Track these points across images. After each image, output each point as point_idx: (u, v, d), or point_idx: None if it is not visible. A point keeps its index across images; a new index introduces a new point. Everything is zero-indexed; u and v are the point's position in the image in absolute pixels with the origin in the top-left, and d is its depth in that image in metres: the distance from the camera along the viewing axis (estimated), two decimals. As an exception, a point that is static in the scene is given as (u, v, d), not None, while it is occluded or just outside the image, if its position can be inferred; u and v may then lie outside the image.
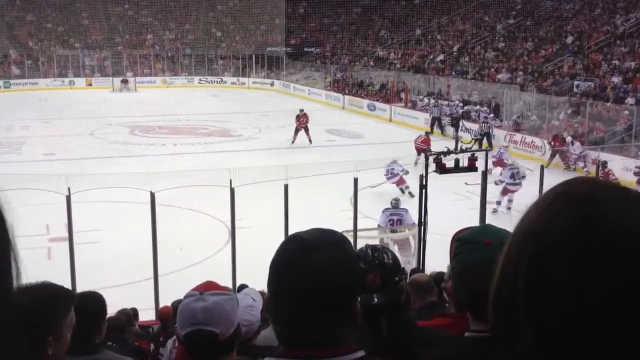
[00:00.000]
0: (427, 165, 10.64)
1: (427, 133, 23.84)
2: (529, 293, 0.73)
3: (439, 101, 31.09)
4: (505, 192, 16.49)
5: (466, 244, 1.75)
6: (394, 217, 13.22)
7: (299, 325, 1.32)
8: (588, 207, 0.73)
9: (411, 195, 17.20)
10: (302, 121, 25.96)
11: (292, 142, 25.54)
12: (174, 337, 3.36)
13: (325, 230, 1.43)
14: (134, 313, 8.12)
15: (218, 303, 2.22)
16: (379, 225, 13.42)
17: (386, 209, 13.62)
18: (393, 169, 18.62)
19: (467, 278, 1.70)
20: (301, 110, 26.50)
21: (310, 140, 25.65)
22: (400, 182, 18.53)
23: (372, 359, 1.39)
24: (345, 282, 1.33)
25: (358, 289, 1.40)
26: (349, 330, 1.35)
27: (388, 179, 18.60)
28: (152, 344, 6.33)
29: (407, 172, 18.38)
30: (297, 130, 25.84)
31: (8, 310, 0.65)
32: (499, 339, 0.77)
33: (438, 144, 23.38)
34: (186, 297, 2.29)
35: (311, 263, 1.31)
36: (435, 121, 28.68)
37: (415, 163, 19.92)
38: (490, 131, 24.75)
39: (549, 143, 22.53)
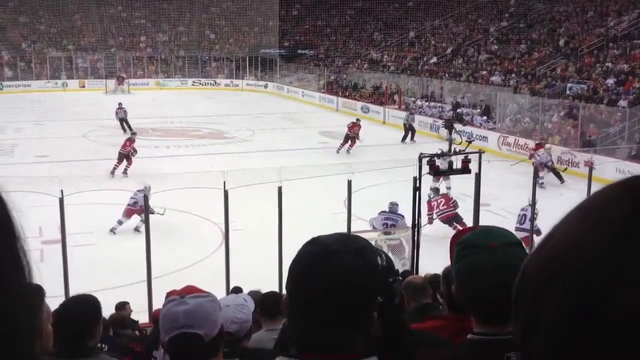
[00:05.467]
0: (420, 167, 10.65)
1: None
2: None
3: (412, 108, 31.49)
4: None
5: (469, 247, 1.74)
6: (389, 222, 13.21)
7: (313, 329, 1.32)
8: None
9: (138, 229, 14.22)
10: None
11: None
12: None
13: (348, 235, 1.43)
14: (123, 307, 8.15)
15: (200, 305, 2.23)
16: (373, 227, 13.39)
17: (382, 211, 13.60)
18: (135, 199, 14.56)
19: (472, 281, 1.70)
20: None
21: None
22: (128, 215, 14.76)
23: None
24: (363, 289, 1.32)
25: (376, 297, 1.39)
26: (364, 336, 1.35)
27: (129, 205, 14.84)
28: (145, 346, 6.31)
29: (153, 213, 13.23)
30: None
31: (25, 305, 0.66)
32: None
33: (432, 147, 23.40)
34: (167, 302, 2.29)
35: (331, 268, 1.30)
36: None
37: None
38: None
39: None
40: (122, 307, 8.40)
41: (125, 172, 20.63)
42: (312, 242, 1.38)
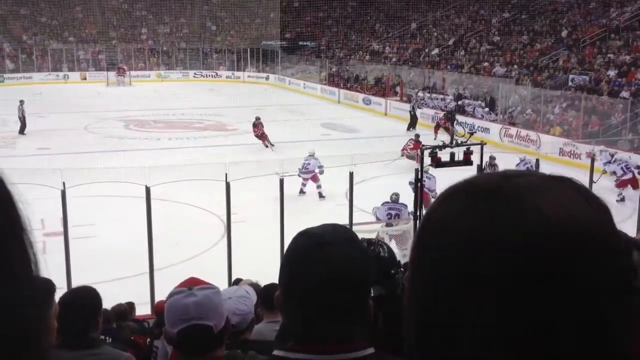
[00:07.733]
0: (422, 159, 10.64)
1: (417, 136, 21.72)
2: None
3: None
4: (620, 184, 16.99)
5: None
6: (392, 212, 13.22)
7: (309, 321, 1.32)
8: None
9: (321, 196, 16.73)
10: None
11: None
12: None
13: (338, 226, 1.42)
14: (129, 307, 8.15)
15: (208, 297, 2.22)
16: (377, 218, 13.41)
17: (385, 202, 13.61)
18: (309, 163, 17.00)
19: None
20: None
21: None
22: (314, 179, 17.06)
23: (381, 356, 1.38)
24: (357, 278, 1.32)
25: (370, 286, 1.39)
26: (360, 326, 1.34)
27: (302, 173, 16.91)
28: (147, 338, 6.32)
29: (322, 172, 16.68)
30: None
31: (33, 299, 0.66)
32: None
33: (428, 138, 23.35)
34: (173, 294, 2.27)
35: (324, 259, 1.30)
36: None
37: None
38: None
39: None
40: (132, 307, 8.41)
41: (269, 145, 23.13)
42: (303, 234, 1.37)
